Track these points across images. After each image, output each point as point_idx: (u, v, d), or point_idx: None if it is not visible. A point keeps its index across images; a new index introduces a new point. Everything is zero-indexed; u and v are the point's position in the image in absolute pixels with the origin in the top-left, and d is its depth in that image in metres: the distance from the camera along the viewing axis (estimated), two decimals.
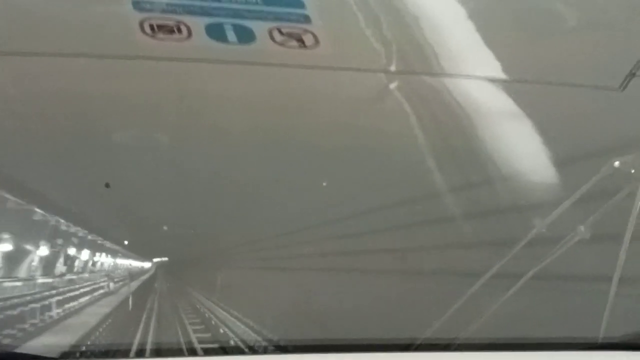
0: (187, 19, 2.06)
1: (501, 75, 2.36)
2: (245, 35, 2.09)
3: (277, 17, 2.09)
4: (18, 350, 2.23)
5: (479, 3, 2.26)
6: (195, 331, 2.74)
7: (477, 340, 2.16)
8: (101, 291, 3.53)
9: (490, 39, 2.25)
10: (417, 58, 2.31)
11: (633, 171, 2.27)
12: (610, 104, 2.35)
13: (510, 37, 2.31)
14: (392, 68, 2.31)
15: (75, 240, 3.41)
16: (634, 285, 2.28)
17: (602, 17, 2.29)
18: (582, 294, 2.51)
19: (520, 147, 2.53)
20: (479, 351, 2.08)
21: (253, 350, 2.33)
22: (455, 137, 2.57)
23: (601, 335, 2.13)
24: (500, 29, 2.29)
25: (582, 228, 2.29)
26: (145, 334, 2.45)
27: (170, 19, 2.06)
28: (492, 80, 2.41)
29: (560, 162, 2.50)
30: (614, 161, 2.31)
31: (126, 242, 3.45)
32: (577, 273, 2.50)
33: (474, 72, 2.39)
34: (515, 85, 2.41)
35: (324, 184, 2.70)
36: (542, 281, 2.38)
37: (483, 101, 2.47)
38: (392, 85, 2.40)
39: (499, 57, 2.29)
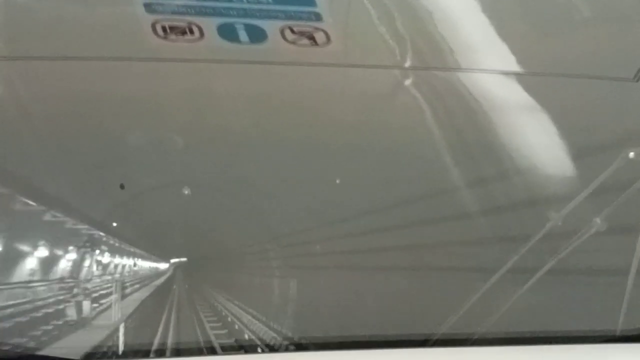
0: (199, 20, 2.07)
1: (516, 68, 2.35)
2: (257, 35, 2.10)
3: (289, 16, 2.09)
4: (41, 353, 2.25)
5: None
6: (213, 330, 2.76)
7: (494, 334, 2.15)
8: (120, 293, 3.56)
9: (504, 33, 2.24)
10: (431, 53, 2.31)
11: None
12: (625, 95, 2.33)
13: (524, 30, 2.29)
14: (407, 64, 2.31)
15: (92, 242, 3.44)
16: None
17: (616, 8, 2.27)
18: (599, 286, 2.50)
19: (535, 140, 2.52)
20: (497, 345, 2.07)
21: (271, 348, 2.34)
22: (471, 132, 2.57)
23: (619, 327, 2.11)
24: (514, 22, 2.28)
25: (598, 220, 2.28)
26: (165, 334, 2.47)
27: (182, 20, 2.07)
28: (507, 74, 2.40)
29: (575, 154, 2.48)
30: (629, 152, 2.29)
31: (143, 244, 3.47)
32: (594, 266, 2.48)
33: (488, 66, 2.38)
34: (530, 78, 2.39)
35: (338, 181, 2.71)
36: (558, 275, 2.37)
37: (498, 95, 2.46)
38: (407, 82, 2.40)
39: (513, 50, 2.28)
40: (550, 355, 1.88)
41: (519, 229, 2.59)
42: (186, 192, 2.81)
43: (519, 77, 2.39)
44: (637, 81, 2.24)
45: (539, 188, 2.59)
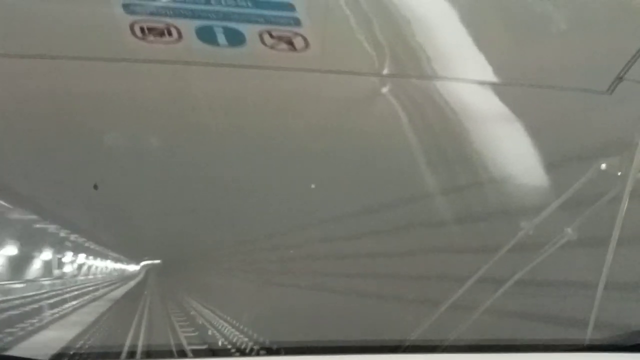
0: (178, 22, 2.07)
1: (492, 78, 2.37)
2: (236, 38, 2.10)
3: (268, 20, 2.09)
4: (8, 353, 2.22)
5: (471, 6, 2.27)
6: (185, 333, 2.74)
7: (465, 342, 2.17)
8: (91, 294, 3.53)
9: (481, 42, 2.26)
10: (409, 61, 2.32)
11: (619, 174, 2.29)
12: (598, 107, 2.36)
13: (501, 40, 2.32)
14: (384, 71, 2.32)
15: (63, 243, 3.41)
16: (620, 288, 2.29)
17: (591, 20, 2.30)
18: (569, 296, 2.52)
19: (509, 150, 2.54)
20: (467, 353, 2.09)
21: (242, 352, 2.33)
22: (446, 140, 2.58)
23: (588, 337, 2.14)
24: (491, 32, 2.30)
25: (569, 230, 2.30)
26: (136, 337, 2.45)
27: (160, 22, 2.06)
28: (483, 83, 2.42)
29: (548, 164, 2.51)
30: (601, 164, 2.32)
31: (115, 245, 3.45)
32: (564, 276, 2.51)
33: (465, 75, 2.40)
34: (505, 88, 2.42)
35: (313, 186, 2.71)
36: (529, 284, 2.39)
37: (474, 104, 2.48)
38: (384, 89, 2.41)
39: (490, 60, 2.30)
40: None
41: (491, 238, 2.61)
42: (159, 193, 2.80)
43: (494, 87, 2.41)
44: (611, 94, 2.27)
45: (512, 197, 2.61)
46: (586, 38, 2.28)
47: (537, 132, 2.46)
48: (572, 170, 2.41)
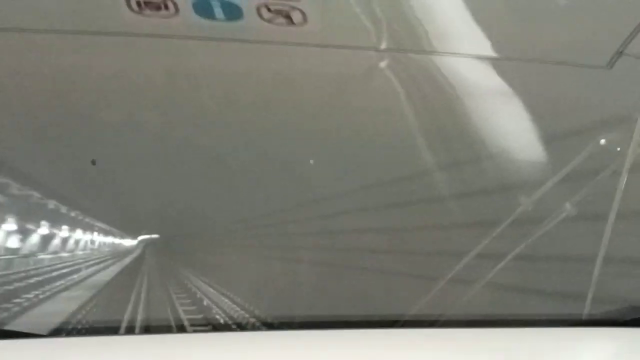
0: None
1: (490, 53, 2.36)
2: (233, 12, 2.08)
3: None
4: (7, 328, 2.23)
5: None
6: (183, 307, 2.75)
7: (463, 317, 2.17)
8: (89, 269, 3.54)
9: (480, 17, 2.24)
10: (407, 36, 2.31)
11: (619, 149, 2.28)
12: (598, 82, 2.35)
13: (500, 15, 2.30)
14: (382, 46, 2.30)
15: (62, 218, 3.41)
16: (618, 263, 2.30)
17: None
18: (567, 271, 2.53)
19: (508, 125, 2.53)
20: (465, 328, 2.09)
21: (240, 327, 2.34)
22: (444, 116, 2.58)
23: (586, 311, 2.14)
24: (490, 7, 2.29)
25: (568, 205, 2.30)
26: (134, 311, 2.46)
27: None
28: (481, 58, 2.41)
29: (548, 139, 2.50)
30: (600, 139, 2.32)
31: (113, 220, 3.45)
32: (563, 251, 2.51)
33: (463, 50, 2.38)
34: (504, 63, 2.40)
35: (311, 162, 2.71)
36: (527, 259, 2.39)
37: (472, 79, 2.47)
38: (382, 64, 2.39)
39: (489, 35, 2.29)
40: (517, 337, 1.90)
41: (490, 214, 2.61)
42: (157, 169, 2.80)
43: (493, 62, 2.39)
44: (610, 68, 2.25)
45: (510, 173, 2.61)
46: (586, 12, 2.27)
47: (536, 107, 2.45)
48: (572, 146, 2.40)
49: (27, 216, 3.25)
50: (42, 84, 2.46)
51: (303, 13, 2.09)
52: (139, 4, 2.04)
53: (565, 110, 2.46)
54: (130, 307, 2.55)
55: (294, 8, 2.08)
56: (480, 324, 2.07)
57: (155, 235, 3.23)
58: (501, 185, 2.67)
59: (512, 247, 2.33)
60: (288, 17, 2.10)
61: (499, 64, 2.39)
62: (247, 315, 2.49)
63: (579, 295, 2.19)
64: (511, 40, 2.33)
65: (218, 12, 2.08)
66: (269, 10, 2.08)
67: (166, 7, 2.05)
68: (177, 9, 2.05)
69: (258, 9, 2.07)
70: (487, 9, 2.28)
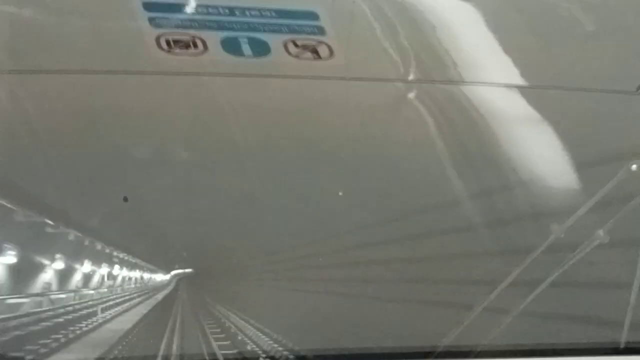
0: (203, 34, 2.08)
1: (519, 81, 2.36)
2: (261, 48, 2.11)
3: (292, 30, 2.10)
4: None
5: (496, 11, 2.26)
6: (216, 340, 2.76)
7: (498, 347, 2.15)
8: (125, 304, 3.56)
9: (507, 46, 2.25)
10: (434, 66, 2.32)
11: None
12: (627, 107, 2.33)
13: (527, 43, 2.30)
14: (410, 77, 2.31)
15: (96, 255, 3.44)
16: None
17: (618, 22, 2.28)
18: (602, 298, 2.50)
19: (538, 153, 2.52)
20: (500, 358, 2.07)
21: (272, 359, 2.34)
22: (474, 144, 2.57)
23: (624, 339, 2.11)
24: (517, 35, 2.29)
25: (600, 232, 2.27)
26: (169, 344, 2.47)
27: (186, 34, 2.08)
28: (510, 87, 2.41)
29: (578, 166, 2.48)
30: (632, 164, 2.29)
31: (147, 255, 3.48)
32: (597, 278, 2.48)
33: (491, 79, 2.39)
34: (532, 91, 2.40)
35: (340, 193, 2.71)
36: (562, 287, 2.36)
37: (501, 108, 2.47)
38: (410, 95, 2.40)
39: (516, 63, 2.29)
40: None
41: (522, 242, 2.59)
42: (188, 204, 2.82)
43: (521, 90, 2.39)
44: None
45: (542, 200, 2.59)
46: (614, 40, 2.26)
47: (565, 134, 2.44)
48: (602, 172, 2.38)
49: (66, 255, 3.29)
50: (74, 123, 2.50)
51: (329, 47, 2.11)
52: (168, 43, 2.07)
53: (595, 137, 2.45)
54: (165, 340, 2.56)
55: (320, 42, 2.10)
56: (515, 354, 2.05)
57: (187, 270, 3.24)
58: (532, 213, 2.65)
59: (546, 275, 2.31)
60: (315, 52, 2.12)
61: (526, 92, 2.39)
62: (278, 347, 2.49)
63: (615, 323, 2.16)
64: (539, 68, 2.33)
65: (246, 48, 2.10)
66: (295, 45, 2.10)
67: (195, 46, 2.08)
68: (205, 47, 2.08)
69: (285, 45, 2.09)
70: (514, 37, 2.29)
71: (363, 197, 2.75)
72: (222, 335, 2.96)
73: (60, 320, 3.12)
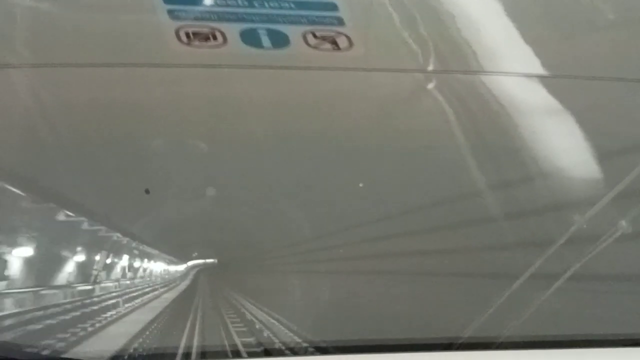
0: (222, 26, 2.08)
1: (539, 71, 2.34)
2: (280, 40, 2.11)
3: (311, 21, 2.10)
4: (66, 356, 2.26)
5: None
6: (238, 334, 2.76)
7: (520, 338, 2.14)
8: (145, 296, 3.58)
9: (528, 35, 2.23)
10: (454, 57, 2.31)
11: None
12: None
13: (548, 32, 2.29)
14: (429, 67, 2.31)
15: (117, 247, 3.46)
16: None
17: (639, 10, 2.25)
18: (625, 290, 2.48)
19: (559, 143, 2.51)
20: (522, 349, 2.07)
21: (294, 352, 2.34)
22: (494, 135, 2.56)
23: None
24: (538, 24, 2.28)
25: (623, 223, 2.26)
26: (190, 338, 2.48)
27: (205, 26, 2.08)
28: (530, 76, 2.39)
29: (600, 156, 2.47)
30: None
31: (167, 247, 3.49)
32: (619, 269, 2.46)
33: (511, 68, 2.37)
34: (553, 80, 2.39)
35: (361, 185, 2.71)
36: (584, 278, 2.35)
37: (521, 98, 2.46)
38: (430, 85, 2.40)
39: (537, 53, 2.28)
40: (577, 359, 1.87)
41: (544, 233, 2.58)
42: (209, 195, 2.83)
43: (542, 79, 2.38)
44: None
45: (563, 191, 2.58)
46: (635, 28, 2.24)
47: (587, 124, 2.42)
48: (625, 162, 2.37)
49: (86, 247, 3.31)
50: (93, 116, 2.51)
51: (349, 38, 2.11)
52: (187, 35, 2.08)
53: (617, 126, 2.43)
54: (186, 333, 2.57)
55: (339, 33, 2.10)
56: (537, 345, 2.04)
57: (208, 261, 3.26)
58: (554, 204, 2.63)
59: (567, 266, 2.30)
60: (334, 43, 2.12)
61: (547, 81, 2.37)
62: (299, 340, 2.49)
63: (638, 314, 2.15)
64: (559, 58, 2.31)
65: (265, 40, 2.11)
66: (314, 36, 2.10)
67: (214, 38, 2.09)
68: (225, 39, 2.09)
69: (304, 36, 2.10)
70: (535, 26, 2.27)
71: (384, 189, 2.75)
72: (243, 327, 2.97)
73: (73, 315, 3.14)
